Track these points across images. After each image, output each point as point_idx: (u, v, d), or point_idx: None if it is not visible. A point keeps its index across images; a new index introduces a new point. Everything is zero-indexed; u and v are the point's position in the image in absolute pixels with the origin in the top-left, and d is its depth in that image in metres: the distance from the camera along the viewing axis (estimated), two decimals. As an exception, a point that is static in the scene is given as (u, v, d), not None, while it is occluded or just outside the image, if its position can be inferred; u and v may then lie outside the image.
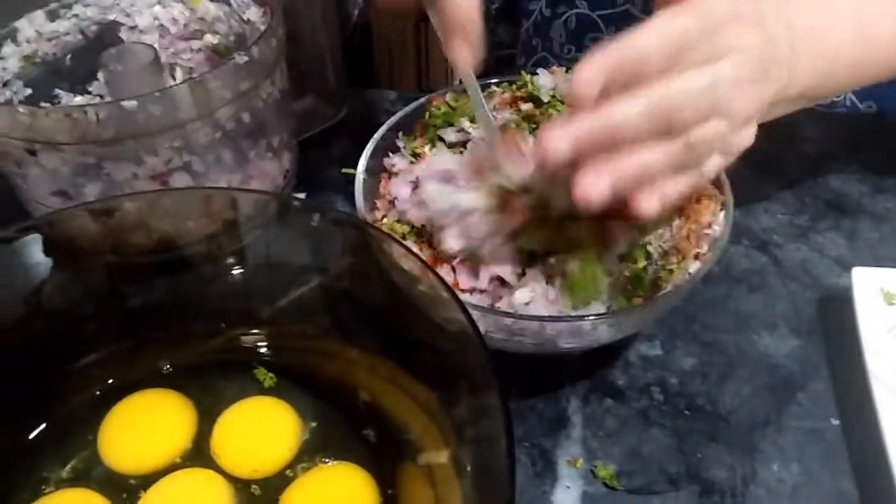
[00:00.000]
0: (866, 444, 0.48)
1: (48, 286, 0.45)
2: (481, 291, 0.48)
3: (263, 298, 0.51)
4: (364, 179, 0.52)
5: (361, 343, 0.49)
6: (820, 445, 0.49)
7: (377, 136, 0.55)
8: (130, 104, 0.48)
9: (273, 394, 0.48)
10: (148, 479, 0.43)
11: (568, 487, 0.47)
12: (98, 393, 0.46)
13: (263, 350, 0.50)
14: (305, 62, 0.71)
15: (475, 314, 0.40)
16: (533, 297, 0.45)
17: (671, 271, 0.46)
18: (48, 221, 0.47)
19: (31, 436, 0.44)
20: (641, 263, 0.47)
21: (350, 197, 0.52)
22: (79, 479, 0.43)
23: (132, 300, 0.49)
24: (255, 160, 0.58)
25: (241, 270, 0.51)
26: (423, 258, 0.43)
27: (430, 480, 0.44)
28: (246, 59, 0.52)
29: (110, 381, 0.47)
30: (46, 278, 0.45)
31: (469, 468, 0.43)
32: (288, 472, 0.44)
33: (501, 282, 0.47)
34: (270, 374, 0.49)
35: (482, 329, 0.39)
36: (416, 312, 0.46)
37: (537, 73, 0.55)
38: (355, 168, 0.52)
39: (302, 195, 0.67)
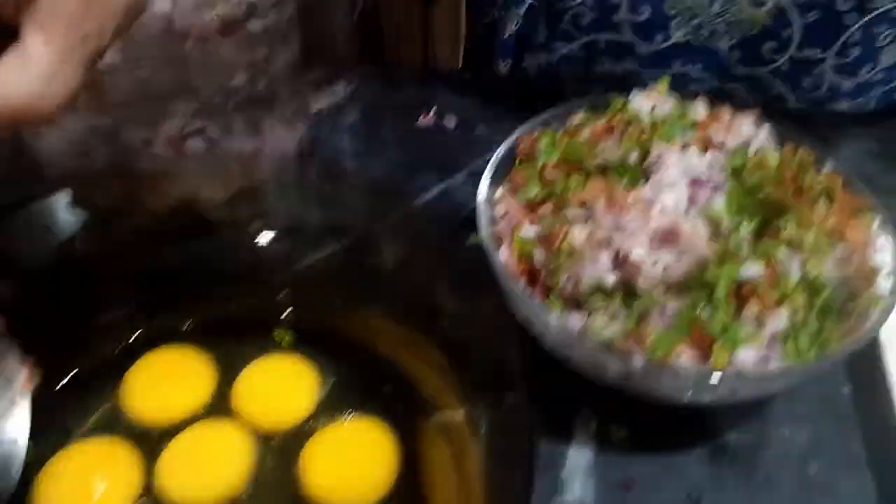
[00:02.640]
0: (876, 409, 0.49)
1: (74, 244, 0.46)
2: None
3: (283, 262, 0.52)
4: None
5: (380, 306, 0.50)
6: (831, 411, 0.50)
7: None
8: (147, 69, 0.49)
9: (291, 353, 0.48)
10: (170, 432, 0.44)
11: (581, 448, 0.48)
12: (122, 347, 0.47)
13: (282, 311, 0.51)
14: (317, 37, 0.71)
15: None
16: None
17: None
18: (72, 182, 0.47)
19: (57, 388, 0.45)
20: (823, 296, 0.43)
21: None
22: (103, 430, 0.44)
23: (155, 260, 0.50)
24: (269, 129, 0.59)
25: (263, 234, 0.51)
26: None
27: (448, 437, 0.45)
28: (259, 25, 0.52)
29: (134, 336, 0.48)
30: (73, 236, 0.46)
31: (484, 429, 0.44)
32: (307, 426, 0.45)
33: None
34: (289, 334, 0.49)
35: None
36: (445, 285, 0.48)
37: (630, 99, 0.53)
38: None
39: (313, 167, 0.68)
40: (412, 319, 0.49)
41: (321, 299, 0.50)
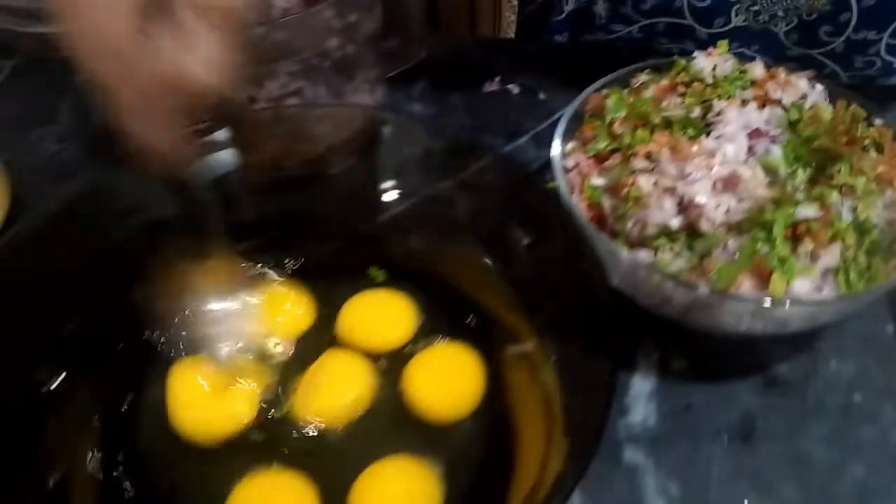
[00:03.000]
0: (918, 345, 0.53)
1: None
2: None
3: (374, 210, 0.57)
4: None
5: (460, 249, 0.55)
6: (875, 347, 0.54)
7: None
8: (260, 29, 0.54)
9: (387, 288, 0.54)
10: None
11: (645, 376, 0.53)
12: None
13: (374, 254, 0.56)
14: (394, 7, 0.76)
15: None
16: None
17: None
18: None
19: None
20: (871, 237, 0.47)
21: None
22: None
23: (257, 208, 0.56)
24: (353, 92, 0.64)
25: (358, 184, 0.57)
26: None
27: (525, 364, 0.50)
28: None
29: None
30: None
31: (555, 358, 0.48)
32: (407, 349, 0.50)
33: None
34: (382, 272, 0.55)
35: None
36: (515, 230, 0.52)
37: (693, 58, 0.57)
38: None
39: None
40: (488, 260, 0.54)
41: (409, 243, 0.56)
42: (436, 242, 0.56)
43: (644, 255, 0.49)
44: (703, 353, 0.53)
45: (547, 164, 0.54)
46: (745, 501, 0.44)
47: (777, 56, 0.69)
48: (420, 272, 0.55)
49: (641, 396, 0.52)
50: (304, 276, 0.54)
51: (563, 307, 0.49)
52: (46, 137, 0.70)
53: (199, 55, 0.35)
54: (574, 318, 0.48)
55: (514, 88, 0.74)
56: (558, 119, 0.57)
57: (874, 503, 0.47)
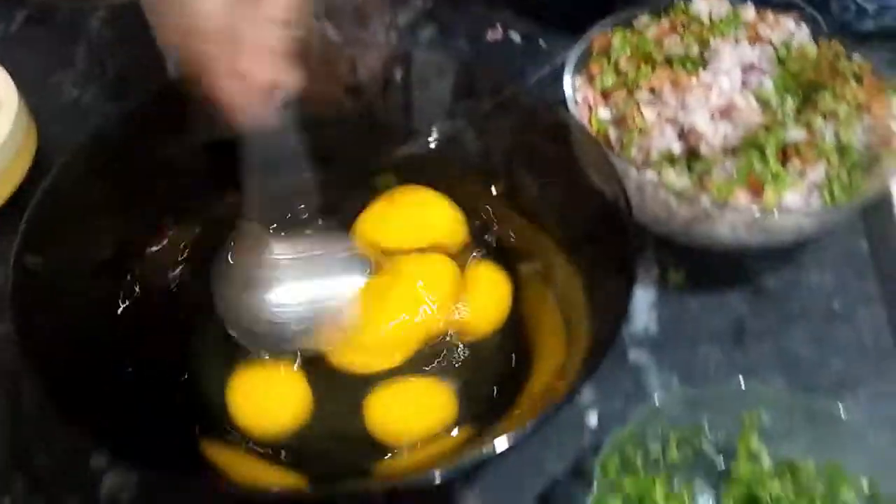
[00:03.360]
0: (888, 258, 0.59)
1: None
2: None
3: (390, 149, 0.61)
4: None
5: (470, 175, 0.59)
6: (851, 261, 0.60)
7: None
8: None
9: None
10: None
11: (646, 289, 0.58)
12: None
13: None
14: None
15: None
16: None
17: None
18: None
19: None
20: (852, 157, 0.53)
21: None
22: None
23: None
24: (375, 35, 0.67)
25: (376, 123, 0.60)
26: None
27: (541, 280, 0.54)
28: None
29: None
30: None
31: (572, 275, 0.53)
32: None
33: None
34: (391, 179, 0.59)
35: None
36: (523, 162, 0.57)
37: (691, 1, 0.62)
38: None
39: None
40: (499, 186, 0.59)
41: (423, 179, 0.59)
42: (449, 177, 0.59)
43: (650, 174, 0.54)
44: (698, 268, 0.59)
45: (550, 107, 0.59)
46: (741, 377, 0.49)
47: (764, 2, 0.75)
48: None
49: (643, 307, 0.58)
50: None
51: (577, 226, 0.53)
52: (65, 82, 0.73)
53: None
54: (588, 236, 0.52)
55: (516, 37, 0.79)
56: (560, 65, 0.61)
57: (851, 390, 0.53)
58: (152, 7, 0.40)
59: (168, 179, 0.51)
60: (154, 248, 0.52)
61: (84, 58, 0.75)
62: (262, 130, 0.43)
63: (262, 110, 0.42)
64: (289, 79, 0.42)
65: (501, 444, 0.36)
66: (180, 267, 0.53)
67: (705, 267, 0.59)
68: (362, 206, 0.57)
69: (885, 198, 0.59)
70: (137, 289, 0.49)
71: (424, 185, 0.58)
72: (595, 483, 0.41)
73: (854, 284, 0.59)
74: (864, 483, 0.43)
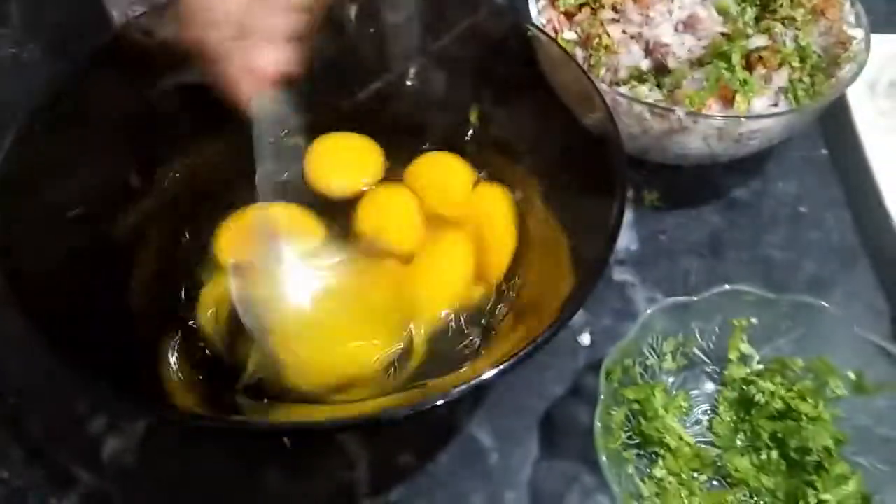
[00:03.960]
0: (848, 162, 0.61)
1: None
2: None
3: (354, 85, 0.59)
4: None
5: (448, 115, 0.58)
6: (813, 167, 0.62)
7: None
8: None
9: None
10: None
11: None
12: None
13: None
14: None
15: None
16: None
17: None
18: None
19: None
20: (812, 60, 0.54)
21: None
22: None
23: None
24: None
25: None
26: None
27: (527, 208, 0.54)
28: None
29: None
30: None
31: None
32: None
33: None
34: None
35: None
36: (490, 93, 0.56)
37: None
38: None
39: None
40: (474, 119, 0.58)
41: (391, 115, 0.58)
42: (420, 114, 0.58)
43: (623, 90, 0.54)
44: (670, 187, 0.60)
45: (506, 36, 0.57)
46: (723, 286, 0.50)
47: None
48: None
49: (623, 227, 0.58)
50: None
51: (556, 150, 0.52)
52: (1, 40, 0.69)
53: None
54: (571, 158, 0.51)
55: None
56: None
57: (824, 289, 0.55)
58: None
59: (134, 127, 0.49)
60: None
61: (18, 14, 0.71)
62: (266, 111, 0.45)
63: (269, 93, 0.44)
64: (293, 62, 0.44)
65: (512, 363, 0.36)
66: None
67: (677, 185, 0.60)
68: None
69: (842, 104, 0.61)
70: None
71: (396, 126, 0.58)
72: (601, 395, 0.41)
73: (818, 190, 0.61)
74: (851, 373, 0.45)
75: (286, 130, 0.49)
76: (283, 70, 0.44)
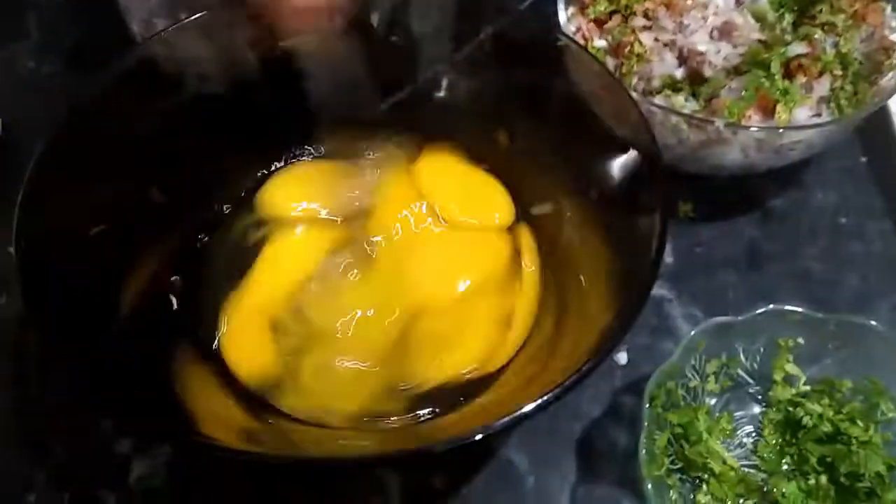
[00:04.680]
0: (889, 171, 0.59)
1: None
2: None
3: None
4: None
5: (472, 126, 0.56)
6: (852, 177, 0.60)
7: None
8: None
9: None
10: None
11: (656, 222, 0.57)
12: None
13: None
14: None
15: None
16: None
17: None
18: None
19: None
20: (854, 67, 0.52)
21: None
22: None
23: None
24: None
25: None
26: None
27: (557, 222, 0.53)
28: None
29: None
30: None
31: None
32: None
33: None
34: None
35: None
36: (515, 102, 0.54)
37: None
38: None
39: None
40: (502, 130, 0.56)
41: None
42: (446, 125, 0.57)
43: (658, 99, 0.53)
44: (704, 198, 0.58)
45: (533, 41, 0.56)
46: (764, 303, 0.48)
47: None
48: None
49: (655, 239, 0.57)
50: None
51: (591, 165, 0.50)
52: (20, 54, 0.68)
53: None
54: (602, 174, 0.48)
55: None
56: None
57: (868, 302, 0.53)
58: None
59: (157, 143, 0.48)
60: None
61: (37, 28, 0.70)
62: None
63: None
64: None
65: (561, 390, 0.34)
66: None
67: (711, 196, 0.58)
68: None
69: (882, 112, 0.59)
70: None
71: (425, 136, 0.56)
72: (644, 422, 0.40)
73: (858, 200, 0.59)
74: (902, 394, 0.43)
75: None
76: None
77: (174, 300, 0.49)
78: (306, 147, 0.56)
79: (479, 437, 0.34)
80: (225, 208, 0.53)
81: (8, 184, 0.48)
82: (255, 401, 0.45)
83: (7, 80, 0.66)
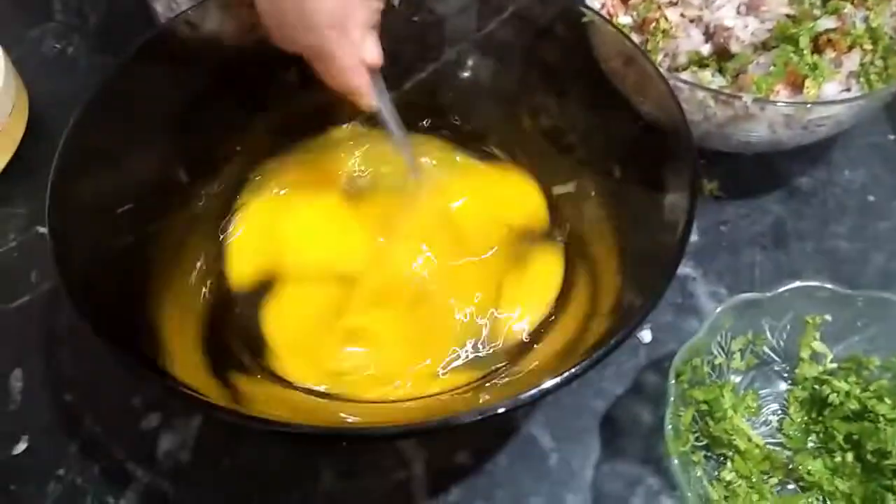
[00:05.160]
0: (919, 147, 0.58)
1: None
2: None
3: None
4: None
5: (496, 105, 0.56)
6: (880, 154, 0.59)
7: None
8: None
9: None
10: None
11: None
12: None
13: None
14: None
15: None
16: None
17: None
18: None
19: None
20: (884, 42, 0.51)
21: None
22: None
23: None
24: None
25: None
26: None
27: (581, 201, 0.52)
28: None
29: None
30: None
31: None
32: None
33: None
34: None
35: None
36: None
37: None
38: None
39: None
40: (523, 109, 0.56)
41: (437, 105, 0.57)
42: (468, 104, 0.57)
43: (685, 75, 0.52)
44: (729, 175, 0.57)
45: (557, 17, 0.55)
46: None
47: None
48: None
49: (680, 217, 0.56)
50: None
51: (614, 142, 0.50)
52: (46, 35, 0.69)
53: None
54: (628, 151, 0.49)
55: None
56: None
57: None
58: (271, 10, 0.43)
59: (183, 122, 0.48)
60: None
61: (61, 9, 0.71)
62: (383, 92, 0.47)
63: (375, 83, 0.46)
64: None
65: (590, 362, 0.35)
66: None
67: (737, 173, 0.58)
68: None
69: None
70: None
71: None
72: (670, 398, 0.40)
73: (886, 178, 0.58)
74: (932, 372, 0.43)
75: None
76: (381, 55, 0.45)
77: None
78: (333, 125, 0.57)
79: (501, 410, 0.34)
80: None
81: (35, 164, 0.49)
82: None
83: (33, 61, 0.66)
